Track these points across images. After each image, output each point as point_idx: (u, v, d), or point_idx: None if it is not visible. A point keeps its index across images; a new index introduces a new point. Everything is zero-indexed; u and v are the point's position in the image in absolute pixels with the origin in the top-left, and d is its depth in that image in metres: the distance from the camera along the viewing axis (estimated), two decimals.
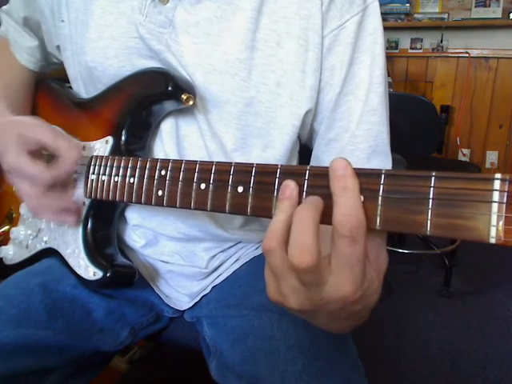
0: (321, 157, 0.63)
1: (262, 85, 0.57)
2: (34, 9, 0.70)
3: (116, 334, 0.66)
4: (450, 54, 3.07)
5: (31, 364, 0.58)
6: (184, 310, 0.71)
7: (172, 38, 0.56)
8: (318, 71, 0.57)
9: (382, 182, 0.34)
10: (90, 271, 0.59)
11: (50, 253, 0.66)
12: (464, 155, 3.13)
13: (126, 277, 0.61)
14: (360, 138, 0.59)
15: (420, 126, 2.24)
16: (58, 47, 0.69)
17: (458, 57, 3.05)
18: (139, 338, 0.71)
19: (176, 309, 0.71)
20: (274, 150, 0.60)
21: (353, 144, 0.59)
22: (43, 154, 0.59)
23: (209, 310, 0.68)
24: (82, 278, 0.60)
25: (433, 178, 0.32)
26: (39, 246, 0.68)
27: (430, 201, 0.32)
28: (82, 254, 0.60)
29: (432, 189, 0.32)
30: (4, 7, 0.75)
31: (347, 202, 0.34)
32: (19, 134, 0.57)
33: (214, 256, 0.68)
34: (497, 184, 0.30)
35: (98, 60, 0.60)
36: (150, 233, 0.66)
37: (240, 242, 0.71)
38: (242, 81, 0.56)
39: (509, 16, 2.85)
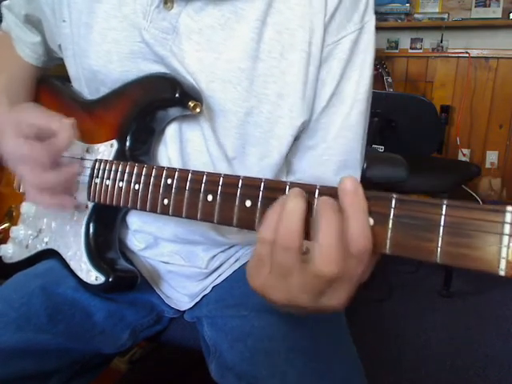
0: (294, 162, 0.64)
1: (263, 95, 0.57)
2: (35, 6, 0.69)
3: (117, 336, 0.66)
4: (449, 54, 3.07)
5: (31, 367, 0.58)
6: (184, 311, 0.71)
7: (175, 45, 0.56)
8: (315, 82, 0.58)
9: (392, 206, 0.34)
10: (91, 275, 0.59)
11: (50, 254, 0.66)
12: (464, 155, 3.13)
13: (127, 281, 0.61)
14: (334, 151, 0.61)
15: (420, 126, 2.24)
16: (60, 46, 0.68)
17: (458, 57, 3.05)
18: (140, 340, 0.70)
19: (176, 309, 0.71)
20: (271, 159, 0.61)
21: (326, 155, 0.61)
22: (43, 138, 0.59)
23: (209, 310, 0.68)
24: (83, 281, 0.60)
25: (444, 206, 0.32)
26: (39, 247, 0.68)
27: (441, 228, 0.32)
28: (84, 258, 0.60)
29: (443, 217, 0.32)
30: (5, 2, 0.74)
31: (359, 223, 0.34)
32: (14, 122, 0.58)
33: (214, 256, 0.68)
34: (508, 217, 0.30)
35: (102, 63, 0.60)
36: (149, 237, 0.66)
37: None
38: (243, 90, 0.56)
39: (509, 16, 2.85)
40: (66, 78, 0.72)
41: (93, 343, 0.63)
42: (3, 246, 0.73)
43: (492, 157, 3.09)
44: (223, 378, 0.60)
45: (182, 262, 0.67)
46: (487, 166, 3.10)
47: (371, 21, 0.59)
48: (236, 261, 0.70)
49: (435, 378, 1.51)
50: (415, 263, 2.32)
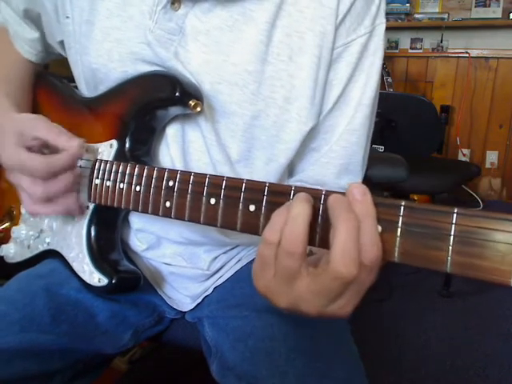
0: (296, 163, 0.64)
1: (271, 99, 0.56)
2: (35, 1, 0.68)
3: (119, 336, 0.66)
4: (449, 54, 3.07)
5: (33, 368, 0.58)
6: (186, 311, 0.71)
7: (181, 46, 0.55)
8: (324, 86, 0.57)
9: (400, 213, 0.34)
10: (94, 277, 0.59)
11: (52, 254, 0.66)
12: (464, 155, 3.13)
13: (131, 282, 0.60)
14: (335, 154, 0.61)
15: (420, 126, 2.24)
16: (61, 42, 0.67)
17: (458, 57, 3.05)
18: (141, 340, 0.70)
19: (178, 310, 0.71)
20: (277, 163, 0.60)
21: (328, 157, 0.61)
22: (43, 151, 0.58)
23: (210, 311, 0.68)
24: (86, 283, 0.60)
25: (454, 215, 0.31)
26: (41, 247, 0.68)
27: (451, 238, 0.31)
28: (87, 260, 0.60)
29: (453, 226, 0.31)
30: None
31: (370, 230, 0.34)
32: (17, 131, 0.57)
33: (216, 258, 0.68)
34: None
35: (102, 62, 0.59)
36: (152, 237, 0.66)
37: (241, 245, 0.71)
38: (250, 94, 0.55)
39: (509, 16, 2.85)
40: (66, 78, 0.72)
41: (95, 343, 0.63)
42: (5, 245, 0.73)
43: (492, 157, 3.09)
44: (224, 379, 0.60)
45: (183, 263, 0.67)
46: (487, 166, 3.10)
47: (382, 24, 0.58)
48: (238, 262, 0.70)
49: (435, 378, 1.51)
50: None
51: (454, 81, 3.10)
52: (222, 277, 0.70)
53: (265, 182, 0.41)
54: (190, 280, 0.68)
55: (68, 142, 0.55)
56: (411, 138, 2.23)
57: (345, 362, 0.59)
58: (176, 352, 0.82)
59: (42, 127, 0.57)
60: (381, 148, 2.10)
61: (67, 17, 0.62)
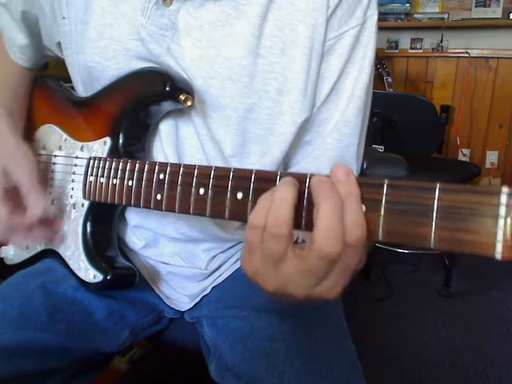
0: (290, 156, 0.64)
1: (264, 92, 0.56)
2: (33, 3, 0.68)
3: (117, 335, 0.66)
4: (449, 54, 3.07)
5: (31, 366, 0.58)
6: (184, 311, 0.71)
7: (174, 41, 0.56)
8: (317, 78, 0.57)
9: (384, 192, 0.34)
10: (90, 274, 0.59)
11: (50, 253, 0.66)
12: (464, 155, 3.13)
13: (126, 279, 0.61)
14: (329, 146, 0.60)
15: (420, 125, 2.24)
16: (59, 44, 0.67)
17: (458, 57, 3.05)
18: (140, 339, 0.71)
19: (176, 309, 0.71)
20: (271, 156, 0.60)
21: (321, 150, 0.61)
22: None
23: (209, 311, 0.68)
24: (82, 280, 0.60)
25: (437, 190, 0.31)
26: (39, 247, 0.68)
27: (434, 213, 0.31)
28: (82, 257, 0.60)
29: (436, 201, 0.31)
30: (3, 0, 0.74)
31: (353, 210, 0.34)
32: (2, 167, 0.59)
33: (214, 257, 0.68)
34: (503, 198, 0.29)
35: (97, 60, 0.59)
36: (149, 234, 0.66)
37: (240, 242, 0.71)
38: (243, 87, 0.56)
39: (509, 16, 2.85)
40: (63, 79, 0.72)
41: (93, 342, 0.63)
42: (4, 247, 0.73)
43: (492, 157, 3.09)
44: (223, 379, 0.60)
45: (181, 262, 0.67)
46: (487, 165, 3.10)
47: (374, 15, 0.58)
48: (236, 261, 0.70)
49: (435, 378, 1.51)
50: (415, 263, 2.32)
51: (454, 81, 3.09)
52: (221, 276, 0.70)
53: (252, 170, 0.41)
54: (188, 279, 0.68)
55: (35, 202, 0.58)
56: (411, 138, 2.23)
57: (343, 362, 0.59)
58: (176, 352, 0.82)
59: (22, 175, 0.59)
60: (381, 148, 2.10)
61: (63, 17, 0.63)
